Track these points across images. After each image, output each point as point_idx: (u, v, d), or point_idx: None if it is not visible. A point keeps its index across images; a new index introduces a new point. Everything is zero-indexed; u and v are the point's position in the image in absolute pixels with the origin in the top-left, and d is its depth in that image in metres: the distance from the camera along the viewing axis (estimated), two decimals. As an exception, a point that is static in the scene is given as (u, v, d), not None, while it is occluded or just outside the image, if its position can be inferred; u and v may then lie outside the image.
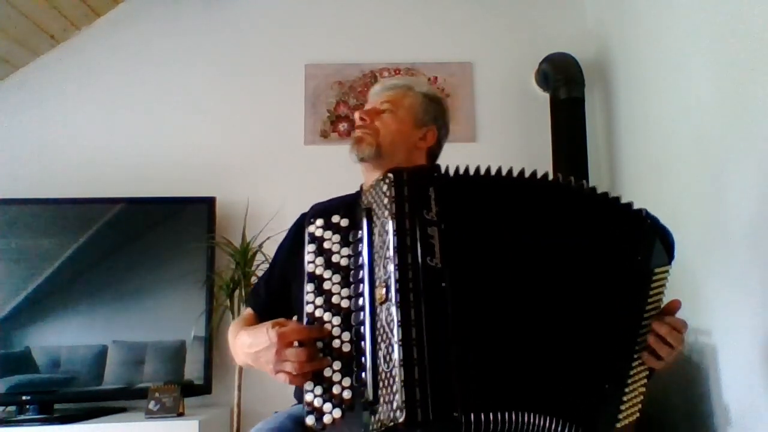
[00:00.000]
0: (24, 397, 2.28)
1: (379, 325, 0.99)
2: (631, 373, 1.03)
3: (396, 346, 0.95)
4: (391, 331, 0.96)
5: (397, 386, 0.93)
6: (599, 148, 2.71)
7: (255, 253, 2.33)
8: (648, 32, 2.30)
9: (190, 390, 2.32)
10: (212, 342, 2.39)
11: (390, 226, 1.01)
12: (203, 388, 2.37)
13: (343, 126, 2.70)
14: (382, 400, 0.95)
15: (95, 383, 2.36)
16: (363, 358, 0.99)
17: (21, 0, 2.41)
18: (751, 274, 1.66)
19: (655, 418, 2.13)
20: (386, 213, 1.02)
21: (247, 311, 1.39)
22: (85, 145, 2.67)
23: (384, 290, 0.99)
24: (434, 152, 1.48)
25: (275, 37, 2.80)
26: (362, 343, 1.00)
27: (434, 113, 1.46)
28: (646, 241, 1.11)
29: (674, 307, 1.14)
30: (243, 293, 2.30)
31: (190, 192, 2.54)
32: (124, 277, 2.43)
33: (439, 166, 1.09)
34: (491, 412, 0.95)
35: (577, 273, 1.05)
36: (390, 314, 0.97)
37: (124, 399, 2.36)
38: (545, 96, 2.68)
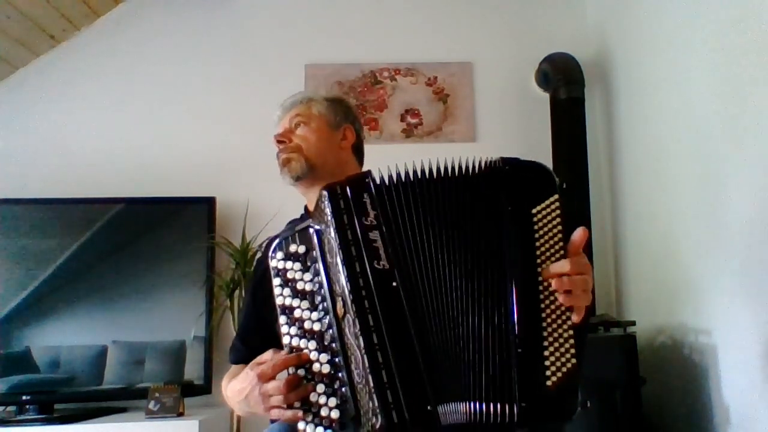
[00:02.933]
0: (24, 397, 2.28)
1: (346, 339, 1.01)
2: (545, 324, 0.98)
3: (361, 356, 0.97)
4: (356, 341, 0.99)
5: (369, 394, 0.96)
6: (599, 148, 2.71)
7: (255, 253, 2.33)
8: (648, 32, 2.30)
9: (190, 390, 2.32)
10: (212, 342, 2.39)
11: (334, 241, 1.04)
12: (203, 388, 2.37)
13: (343, 126, 2.70)
14: (362, 411, 0.97)
15: (95, 383, 2.36)
16: (341, 374, 1.02)
17: (21, 0, 2.41)
18: (751, 274, 1.66)
19: (656, 418, 2.13)
20: (330, 229, 1.05)
21: (237, 367, 1.36)
22: (85, 145, 2.67)
23: (341, 303, 1.02)
24: (359, 148, 1.53)
25: (275, 37, 2.80)
26: (336, 359, 1.02)
27: (343, 112, 1.50)
28: (509, 188, 1.05)
29: (576, 243, 1.03)
30: (243, 293, 2.30)
31: (190, 192, 2.54)
32: (123, 277, 2.43)
33: (370, 172, 1.09)
34: (458, 400, 0.96)
35: (470, 246, 1.04)
36: (351, 325, 1.00)
37: (124, 399, 2.36)
38: (545, 96, 2.68)
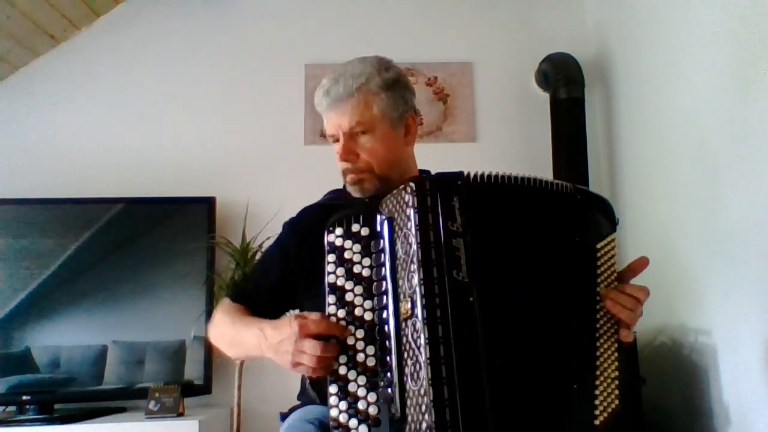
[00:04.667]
0: (24, 397, 2.28)
1: (404, 341, 0.96)
2: (598, 363, 0.98)
3: (424, 365, 0.92)
4: (419, 348, 0.94)
5: (426, 406, 0.91)
6: (599, 148, 2.71)
7: (255, 253, 2.33)
8: (648, 32, 2.30)
9: (190, 390, 2.32)
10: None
11: (413, 238, 0.98)
12: (203, 388, 2.37)
13: (343, 126, 2.70)
14: (410, 418, 0.93)
15: (95, 383, 2.36)
16: (389, 374, 0.97)
17: (21, 0, 2.41)
18: (750, 275, 1.66)
19: (656, 418, 2.13)
20: (409, 224, 0.99)
21: (237, 305, 1.29)
22: (85, 145, 2.67)
23: (409, 305, 0.96)
24: (415, 133, 1.36)
25: (275, 37, 2.80)
26: (387, 357, 0.98)
27: (403, 99, 1.28)
28: (580, 219, 1.04)
29: (635, 269, 1.05)
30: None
31: (190, 192, 2.54)
32: (124, 276, 2.43)
33: (462, 173, 1.03)
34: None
35: (542, 273, 1.02)
36: (416, 330, 0.94)
37: (124, 399, 2.36)
38: (545, 96, 2.69)
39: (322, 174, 2.56)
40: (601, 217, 1.06)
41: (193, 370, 2.38)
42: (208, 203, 2.51)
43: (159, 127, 2.71)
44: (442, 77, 2.79)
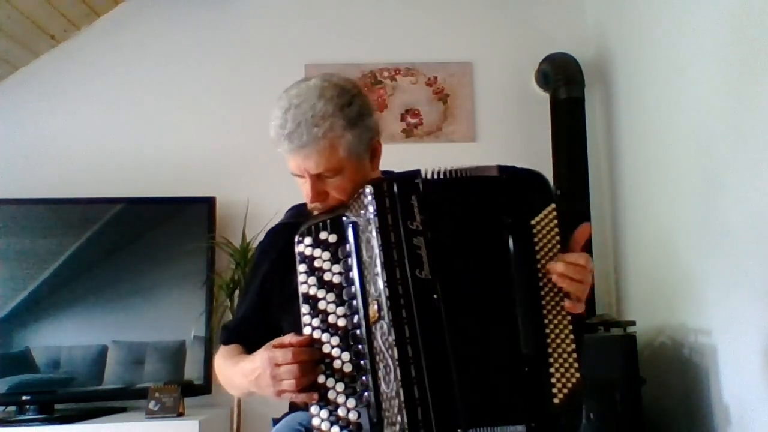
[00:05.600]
0: (24, 397, 2.28)
1: (375, 345, 0.98)
2: (549, 341, 0.97)
3: (393, 367, 0.94)
4: (388, 350, 0.95)
5: (398, 408, 0.93)
6: (599, 148, 2.71)
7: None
8: (648, 32, 2.30)
9: (190, 390, 2.32)
10: (212, 342, 2.38)
11: (375, 241, 0.99)
12: (203, 388, 2.37)
13: (343, 126, 2.70)
14: (386, 421, 0.95)
15: (95, 383, 2.36)
16: (365, 378, 0.98)
17: (21, 0, 2.41)
18: (750, 275, 1.66)
19: (656, 418, 2.13)
20: (370, 227, 1.00)
21: (233, 346, 1.28)
22: (85, 145, 2.67)
23: (376, 307, 0.98)
24: (380, 153, 1.28)
25: (275, 37, 2.80)
26: (362, 362, 0.99)
27: (367, 128, 1.17)
28: (509, 200, 1.03)
29: (578, 238, 1.03)
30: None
31: (190, 192, 2.54)
32: (123, 277, 2.43)
33: (419, 171, 1.04)
34: (487, 425, 0.94)
35: (484, 261, 1.02)
36: (384, 333, 0.96)
37: (124, 399, 2.36)
38: (545, 96, 2.68)
39: (322, 174, 2.59)
40: (532, 193, 1.05)
41: (193, 370, 2.38)
42: (208, 203, 2.51)
43: (159, 127, 2.71)
44: (442, 77, 2.79)
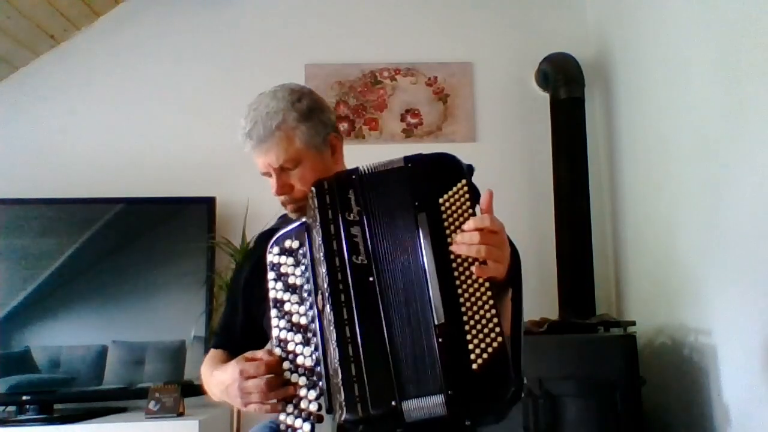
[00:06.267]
0: (24, 397, 2.28)
1: (325, 331, 1.03)
2: (463, 309, 0.98)
3: (334, 347, 0.99)
4: (331, 332, 1.00)
5: (339, 386, 0.97)
6: (599, 148, 2.71)
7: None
8: (648, 32, 2.30)
9: (190, 390, 2.31)
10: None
11: (318, 235, 1.08)
12: (203, 388, 2.36)
13: (343, 126, 2.70)
14: (334, 403, 0.98)
15: (95, 383, 2.36)
16: (319, 368, 1.04)
17: (21, 0, 2.41)
18: (750, 275, 1.66)
19: (656, 418, 2.13)
20: (315, 223, 1.09)
21: (217, 352, 1.38)
22: (85, 145, 2.67)
23: (321, 296, 1.04)
24: (341, 149, 1.38)
25: (275, 37, 2.80)
26: (317, 354, 1.05)
27: (321, 122, 1.28)
28: (416, 184, 1.09)
29: (483, 206, 1.06)
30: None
31: (190, 192, 2.54)
32: (124, 277, 2.43)
33: (357, 169, 1.13)
34: (417, 397, 0.95)
35: (400, 242, 1.07)
36: (328, 319, 1.02)
37: (124, 399, 2.36)
38: (545, 96, 2.69)
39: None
40: (440, 173, 1.10)
41: (193, 370, 2.37)
42: (208, 203, 2.51)
43: (159, 127, 2.70)
44: (442, 77, 2.79)
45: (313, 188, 1.13)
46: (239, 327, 1.38)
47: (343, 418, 0.95)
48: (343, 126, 2.70)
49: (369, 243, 1.05)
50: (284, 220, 1.40)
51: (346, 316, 1.00)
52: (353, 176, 1.12)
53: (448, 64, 2.80)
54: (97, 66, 2.74)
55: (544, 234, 2.54)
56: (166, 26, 2.78)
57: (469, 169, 1.12)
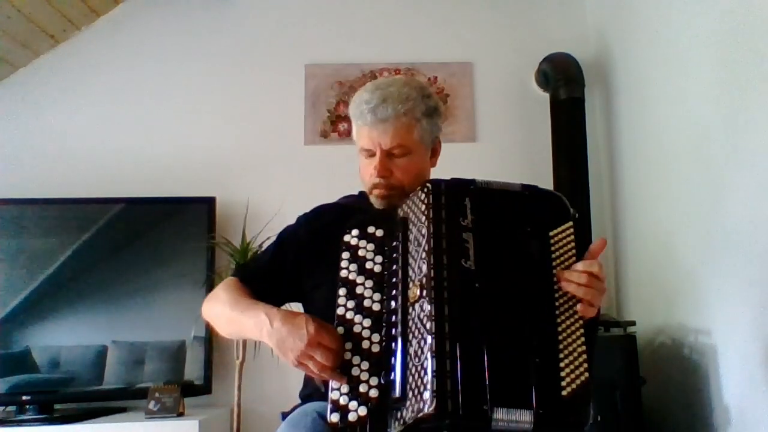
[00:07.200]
0: (24, 397, 2.28)
1: (411, 323, 1.02)
2: (560, 337, 1.03)
3: (429, 338, 0.98)
4: (424, 325, 0.99)
5: (428, 377, 0.95)
6: (599, 148, 2.71)
7: (255, 253, 2.32)
8: (648, 32, 2.30)
9: (190, 390, 2.32)
10: (212, 342, 2.39)
11: (426, 230, 1.07)
12: (203, 388, 2.37)
13: (343, 126, 2.70)
14: (410, 394, 0.97)
15: (95, 383, 2.36)
16: (392, 359, 1.02)
17: (21, 0, 2.41)
18: (750, 275, 1.66)
19: (656, 418, 2.13)
20: (423, 218, 1.09)
21: (240, 284, 1.33)
22: (85, 145, 2.67)
23: (418, 289, 1.04)
24: (438, 156, 1.43)
25: (275, 37, 2.80)
26: (392, 344, 1.04)
27: (437, 123, 1.35)
28: (532, 213, 1.14)
29: (593, 251, 1.14)
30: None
31: (190, 192, 2.54)
32: (124, 277, 2.43)
33: (474, 180, 1.14)
34: (508, 407, 0.96)
35: (511, 262, 1.11)
36: (423, 310, 1.01)
37: (124, 399, 2.36)
38: (545, 96, 2.69)
39: (322, 174, 2.59)
40: (551, 209, 1.16)
41: (193, 370, 2.38)
42: (208, 203, 2.51)
43: (159, 127, 2.71)
44: (442, 77, 2.79)
45: (428, 185, 1.13)
46: (276, 276, 1.34)
47: (429, 410, 0.93)
48: (344, 126, 2.70)
49: (479, 251, 1.06)
50: (354, 201, 1.41)
51: (447, 313, 1.00)
52: (471, 186, 1.13)
53: (448, 64, 2.80)
54: (97, 66, 2.74)
55: (544, 234, 2.54)
56: (166, 26, 2.79)
57: (574, 215, 1.17)
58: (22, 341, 2.36)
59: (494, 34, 2.84)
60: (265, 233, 2.26)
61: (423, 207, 1.10)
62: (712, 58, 1.85)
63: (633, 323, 2.18)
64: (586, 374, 1.01)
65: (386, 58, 2.78)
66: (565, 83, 2.58)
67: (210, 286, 2.41)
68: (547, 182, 2.54)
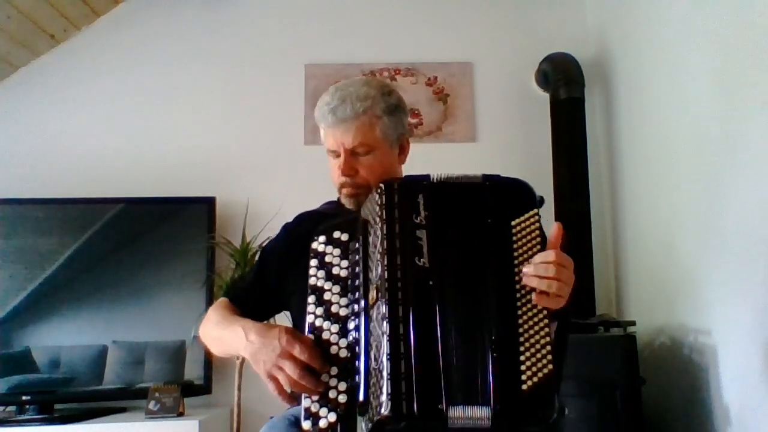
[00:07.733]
0: (24, 397, 2.28)
1: (371, 326, 1.03)
2: (521, 330, 1.00)
3: (384, 341, 0.98)
4: (381, 327, 1.00)
5: (383, 381, 0.96)
6: (599, 148, 2.71)
7: (255, 253, 2.32)
8: (648, 32, 2.30)
9: (190, 390, 2.32)
10: (212, 342, 2.39)
11: (380, 232, 1.07)
12: (203, 388, 2.37)
13: (343, 126, 2.70)
14: (371, 398, 0.97)
15: (95, 383, 2.36)
16: (357, 363, 1.02)
17: (21, 0, 2.41)
18: (750, 275, 1.66)
19: (656, 418, 2.13)
20: (378, 219, 1.09)
21: (229, 303, 1.34)
22: (85, 145, 2.67)
23: (375, 291, 1.04)
24: (407, 153, 1.43)
25: (275, 37, 2.80)
26: (356, 348, 1.04)
27: (401, 123, 1.35)
28: (493, 204, 1.11)
29: (552, 239, 1.08)
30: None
31: (190, 192, 2.54)
32: (123, 277, 2.43)
33: (428, 176, 1.13)
34: (464, 404, 0.96)
35: (468, 255, 1.09)
36: (380, 312, 1.01)
37: (124, 399, 2.36)
38: (545, 96, 2.69)
39: (322, 174, 2.56)
40: (513, 197, 1.12)
41: (193, 370, 2.38)
42: (208, 203, 2.51)
43: (159, 127, 2.71)
44: (442, 77, 2.79)
45: (381, 185, 1.12)
46: (261, 291, 1.36)
47: (385, 413, 0.93)
48: (343, 126, 2.69)
49: (433, 248, 1.05)
50: (332, 207, 1.41)
51: (401, 314, 1.00)
52: (424, 182, 1.12)
53: (448, 64, 2.80)
54: (97, 66, 2.74)
55: (544, 234, 2.54)
56: (166, 26, 2.79)
57: (540, 201, 1.14)
58: (22, 341, 2.36)
59: (494, 34, 2.84)
60: (265, 233, 2.26)
61: (377, 208, 1.10)
62: (712, 57, 1.85)
63: (633, 323, 2.18)
64: (549, 366, 0.98)
65: (386, 58, 2.79)
66: (565, 83, 2.58)
67: (210, 286, 2.41)
68: (547, 182, 2.54)
